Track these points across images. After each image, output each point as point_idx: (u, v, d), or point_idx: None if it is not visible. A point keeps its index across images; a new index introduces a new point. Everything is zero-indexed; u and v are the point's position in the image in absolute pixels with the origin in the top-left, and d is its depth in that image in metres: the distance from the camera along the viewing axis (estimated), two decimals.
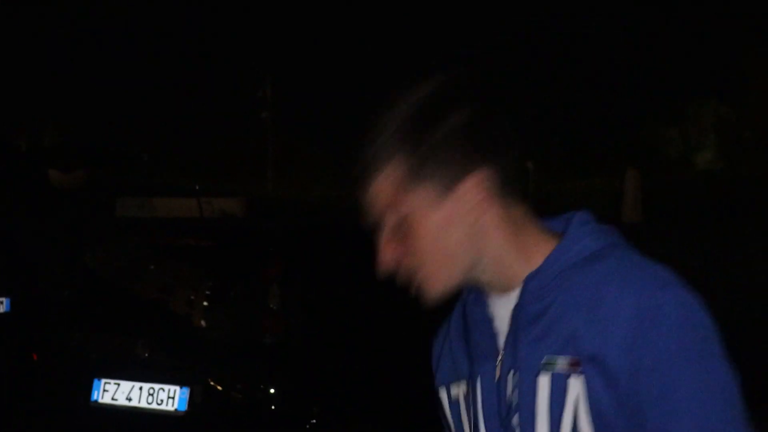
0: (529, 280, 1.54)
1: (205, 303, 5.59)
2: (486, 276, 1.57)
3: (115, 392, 5.34)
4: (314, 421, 5.24)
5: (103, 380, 5.40)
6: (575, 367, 1.46)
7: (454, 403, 1.69)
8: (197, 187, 8.49)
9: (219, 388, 5.22)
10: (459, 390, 1.67)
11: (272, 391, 5.15)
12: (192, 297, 5.64)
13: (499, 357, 1.58)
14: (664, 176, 17.90)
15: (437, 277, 1.53)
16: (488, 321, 1.62)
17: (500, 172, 1.54)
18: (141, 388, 5.27)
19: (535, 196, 19.38)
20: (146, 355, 5.38)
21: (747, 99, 22.74)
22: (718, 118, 24.47)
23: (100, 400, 5.37)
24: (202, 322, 5.55)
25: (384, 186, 1.50)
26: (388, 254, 1.53)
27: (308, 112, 23.92)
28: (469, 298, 1.65)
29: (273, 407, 5.13)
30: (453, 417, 1.69)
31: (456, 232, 1.52)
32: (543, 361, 1.49)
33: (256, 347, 5.29)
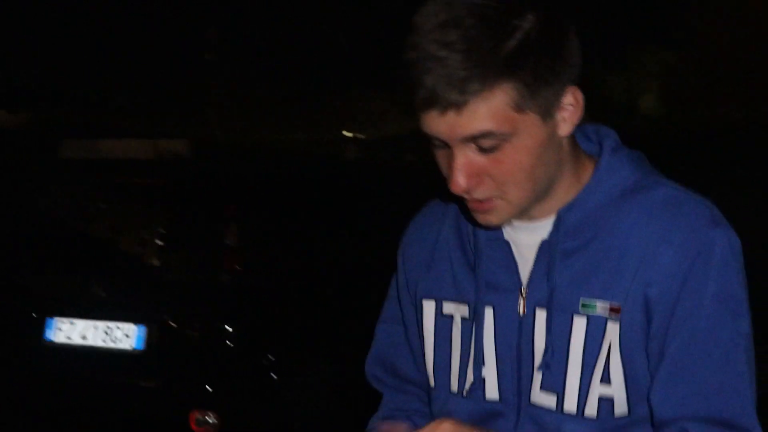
0: (564, 214, 1.47)
1: (159, 242, 5.54)
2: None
3: (70, 331, 5.28)
4: (272, 358, 5.25)
5: (56, 319, 5.32)
6: (615, 312, 1.42)
7: (443, 319, 1.60)
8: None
9: (176, 326, 5.19)
10: (457, 311, 1.58)
11: (229, 329, 5.14)
12: (145, 236, 5.58)
13: (522, 289, 1.51)
14: (609, 122, 18.03)
15: (517, 198, 1.43)
16: (505, 246, 1.53)
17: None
18: (96, 327, 5.21)
19: None
20: (102, 294, 5.32)
21: (691, 45, 22.95)
22: (662, 64, 24.73)
23: (54, 340, 5.30)
24: (156, 261, 5.50)
25: (486, 109, 1.35)
26: (472, 171, 1.39)
27: (253, 54, 23.66)
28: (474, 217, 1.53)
29: (230, 345, 5.12)
30: (437, 332, 1.61)
31: (547, 154, 1.42)
32: (581, 302, 1.44)
33: (213, 285, 5.26)
